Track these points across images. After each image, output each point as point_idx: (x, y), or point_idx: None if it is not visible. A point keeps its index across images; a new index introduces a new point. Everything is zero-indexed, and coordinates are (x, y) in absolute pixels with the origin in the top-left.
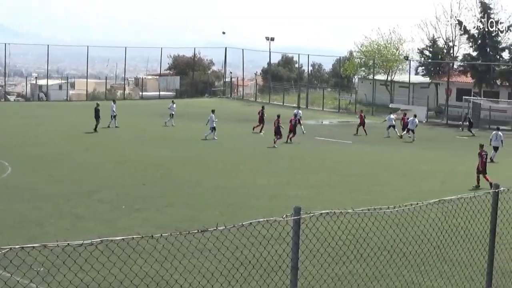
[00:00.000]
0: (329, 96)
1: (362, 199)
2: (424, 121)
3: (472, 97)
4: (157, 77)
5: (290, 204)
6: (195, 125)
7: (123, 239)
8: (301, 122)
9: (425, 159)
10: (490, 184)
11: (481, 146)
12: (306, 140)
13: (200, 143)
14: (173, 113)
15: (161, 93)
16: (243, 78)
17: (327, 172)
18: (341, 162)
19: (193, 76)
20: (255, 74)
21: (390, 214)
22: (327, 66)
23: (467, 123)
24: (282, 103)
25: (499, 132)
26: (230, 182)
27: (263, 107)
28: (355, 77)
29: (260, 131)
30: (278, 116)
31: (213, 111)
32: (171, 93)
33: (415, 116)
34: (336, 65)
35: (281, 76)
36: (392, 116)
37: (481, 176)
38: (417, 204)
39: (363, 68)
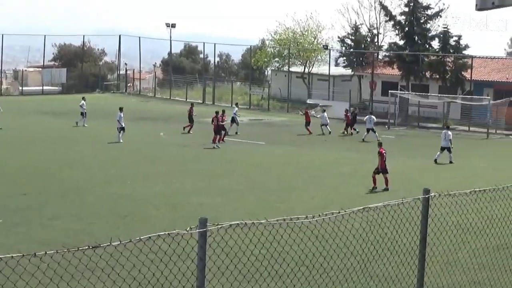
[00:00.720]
0: (239, 90)
1: (277, 207)
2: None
3: (399, 91)
4: (40, 69)
5: (194, 214)
6: (90, 124)
7: (0, 258)
8: (237, 121)
9: (347, 161)
10: (386, 188)
11: (380, 144)
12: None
13: (94, 145)
14: (84, 111)
15: (45, 87)
16: (140, 70)
17: (237, 176)
18: (253, 165)
19: (82, 68)
20: (154, 65)
21: (308, 224)
22: (236, 57)
23: (351, 118)
24: (185, 99)
25: (448, 131)
26: (126, 189)
27: (192, 105)
28: (268, 69)
29: (189, 131)
30: (220, 113)
31: (121, 109)
32: (57, 87)
33: (370, 113)
34: (246, 55)
35: (184, 68)
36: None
37: (380, 175)
38: (339, 212)
39: (276, 59)
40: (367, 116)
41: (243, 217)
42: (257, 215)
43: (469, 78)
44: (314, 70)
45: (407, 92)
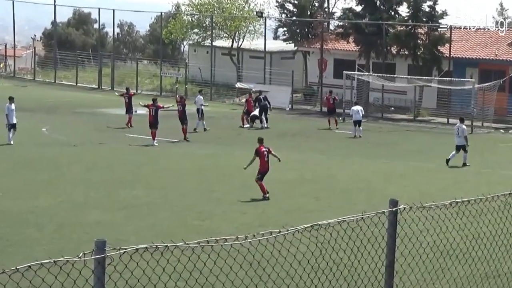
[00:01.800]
0: (146, 71)
1: (198, 226)
2: (287, 108)
3: (356, 72)
4: None
5: (89, 236)
6: None
7: None
8: (202, 114)
9: (292, 164)
10: (264, 196)
11: (260, 140)
12: (112, 139)
13: None
14: None
15: None
16: (14, 45)
17: (144, 185)
18: (166, 170)
19: None
20: (33, 39)
21: (239, 248)
22: (143, 27)
23: (257, 107)
24: (75, 83)
25: (463, 125)
26: None
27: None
28: (185, 43)
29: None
30: (182, 98)
31: (11, 100)
32: None
33: (356, 103)
34: (155, 26)
35: (73, 42)
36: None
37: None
38: (279, 232)
39: (196, 30)
40: (354, 108)
41: (153, 238)
42: (171, 236)
43: (448, 55)
44: (245, 45)
45: (367, 73)
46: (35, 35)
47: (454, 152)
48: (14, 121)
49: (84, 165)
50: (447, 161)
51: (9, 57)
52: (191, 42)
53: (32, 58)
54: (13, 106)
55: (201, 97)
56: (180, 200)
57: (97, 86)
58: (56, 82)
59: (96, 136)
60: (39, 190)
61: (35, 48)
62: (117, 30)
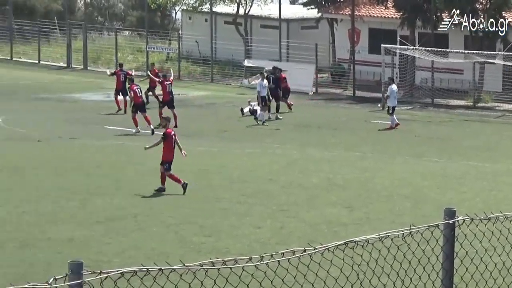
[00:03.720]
0: (128, 45)
1: (197, 243)
2: (310, 92)
3: (398, 46)
4: None
5: (60, 257)
6: None
7: None
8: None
9: (314, 165)
10: (161, 187)
11: (168, 120)
12: (86, 133)
13: None
14: None
15: None
16: None
17: (128, 192)
18: (154, 172)
19: None
20: None
21: (254, 271)
22: None
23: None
24: (37, 61)
25: None
26: None
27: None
28: (177, 9)
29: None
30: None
31: None
32: None
33: (391, 80)
34: None
35: (33, 8)
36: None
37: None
38: (304, 251)
39: None
40: (394, 87)
41: (142, 260)
42: (166, 257)
43: None
44: (255, 10)
45: (411, 47)
46: None
47: None
48: None
49: (52, 166)
50: None
51: None
52: (184, 8)
53: None
54: None
55: (265, 81)
56: (176, 211)
57: (65, 65)
58: (13, 59)
59: (66, 129)
60: None
61: None
62: None
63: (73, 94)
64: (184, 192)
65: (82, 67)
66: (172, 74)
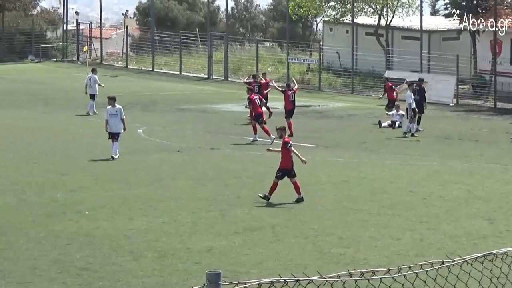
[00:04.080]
0: (269, 57)
1: (335, 254)
2: (451, 104)
3: None
4: None
5: (198, 268)
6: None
7: None
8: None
9: (455, 177)
10: (299, 197)
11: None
12: (227, 143)
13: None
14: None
15: None
16: (101, 24)
17: (267, 202)
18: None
19: (2, 21)
20: (125, 15)
21: (391, 283)
22: (264, 0)
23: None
24: (178, 72)
25: None
26: (73, 225)
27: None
28: (318, 20)
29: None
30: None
31: (112, 101)
32: None
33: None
34: None
35: (175, 19)
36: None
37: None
38: (443, 263)
39: (332, 4)
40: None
41: (280, 270)
42: (304, 268)
43: None
44: (396, 22)
45: None
46: (127, 11)
47: None
48: (117, 129)
49: (192, 177)
50: None
51: (95, 39)
52: (326, 19)
53: (123, 40)
54: (115, 108)
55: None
56: (315, 221)
57: (206, 76)
58: (154, 70)
59: (206, 139)
60: (135, 209)
61: (127, 27)
62: (231, 3)
63: (213, 105)
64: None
65: (223, 78)
66: (296, 84)
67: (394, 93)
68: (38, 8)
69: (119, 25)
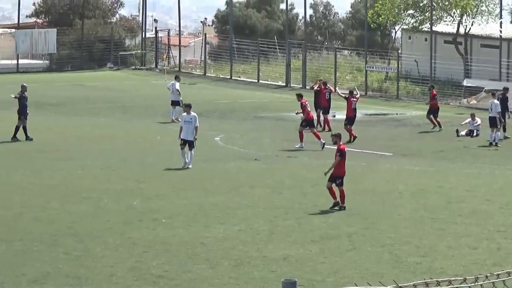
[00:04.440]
0: (347, 64)
1: (412, 263)
2: None
3: None
4: (12, 31)
5: (274, 276)
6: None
7: None
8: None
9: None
10: (341, 205)
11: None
12: (305, 151)
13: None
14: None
15: (23, 61)
16: (179, 32)
17: (344, 211)
18: (369, 192)
19: (82, 29)
20: (203, 23)
21: None
22: (342, 8)
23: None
24: (256, 80)
25: None
26: (148, 232)
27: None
28: (396, 28)
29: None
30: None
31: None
32: (41, 61)
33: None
34: (358, 6)
35: (254, 26)
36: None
37: None
38: None
39: (411, 12)
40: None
41: (356, 279)
42: (380, 276)
43: None
44: (475, 30)
45: None
46: (205, 19)
47: None
48: (189, 137)
49: (269, 185)
50: None
51: (173, 46)
52: (405, 27)
53: (202, 48)
54: (190, 115)
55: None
56: (392, 230)
57: (284, 84)
58: (232, 78)
59: (284, 147)
60: (211, 216)
61: (205, 35)
62: (309, 11)
63: (291, 113)
64: (335, 207)
65: (301, 86)
66: (359, 93)
67: (437, 102)
68: (117, 16)
69: (197, 33)
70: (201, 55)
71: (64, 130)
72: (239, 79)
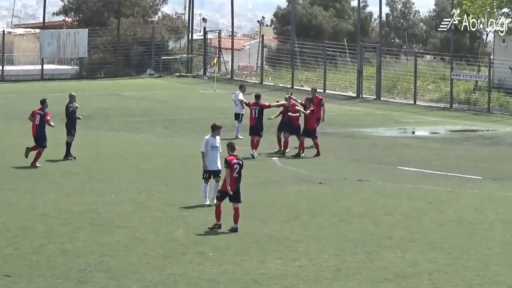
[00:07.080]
0: (430, 72)
1: None
2: None
3: None
4: (36, 31)
5: None
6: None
7: None
8: None
9: None
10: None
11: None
12: (377, 173)
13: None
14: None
15: (48, 67)
16: (232, 33)
17: (424, 244)
18: (452, 222)
19: (118, 30)
20: (260, 23)
21: None
22: (425, 6)
23: None
24: (322, 89)
25: None
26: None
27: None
28: (488, 29)
29: None
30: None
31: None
32: (70, 67)
33: None
34: (443, 5)
35: (320, 27)
36: None
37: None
38: None
39: (505, 10)
40: None
41: None
42: None
43: None
44: None
45: None
46: (263, 18)
47: None
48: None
49: (335, 213)
50: None
51: (225, 50)
52: (498, 29)
53: (258, 52)
54: (218, 140)
55: None
56: (481, 268)
57: (355, 94)
58: (294, 87)
59: (353, 169)
60: (267, 250)
61: (263, 36)
62: (386, 9)
63: (362, 129)
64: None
65: (375, 97)
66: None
67: None
68: (159, 14)
69: (253, 34)
70: (257, 60)
71: (96, 147)
72: (301, 88)
